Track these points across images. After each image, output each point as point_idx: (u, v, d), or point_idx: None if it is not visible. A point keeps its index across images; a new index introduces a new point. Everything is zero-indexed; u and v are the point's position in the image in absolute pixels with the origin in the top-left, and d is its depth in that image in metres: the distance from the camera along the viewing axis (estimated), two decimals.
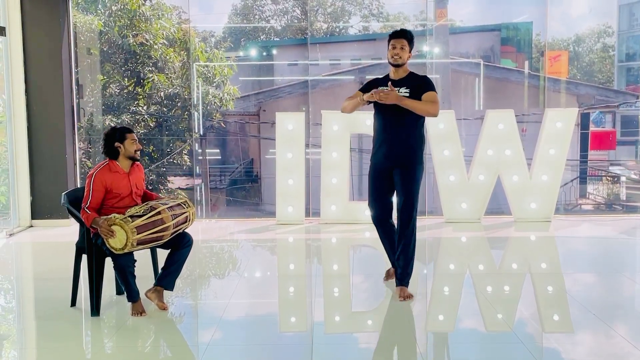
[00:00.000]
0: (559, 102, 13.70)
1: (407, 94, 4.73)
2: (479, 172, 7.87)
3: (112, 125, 10.81)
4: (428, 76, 4.90)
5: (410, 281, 5.18)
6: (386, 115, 4.79)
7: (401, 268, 4.89)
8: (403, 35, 4.79)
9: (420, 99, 4.71)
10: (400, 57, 4.76)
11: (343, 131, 7.87)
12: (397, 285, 4.92)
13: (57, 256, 6.66)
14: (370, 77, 5.07)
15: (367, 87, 4.91)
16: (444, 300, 5.14)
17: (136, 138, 4.61)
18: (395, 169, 4.85)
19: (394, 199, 5.02)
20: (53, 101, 7.95)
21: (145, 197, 4.78)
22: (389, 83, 4.73)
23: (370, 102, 4.80)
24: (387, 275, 5.30)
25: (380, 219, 5.01)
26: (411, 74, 4.88)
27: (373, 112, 4.97)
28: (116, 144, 4.53)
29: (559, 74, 15.19)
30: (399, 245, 4.87)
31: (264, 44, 17.15)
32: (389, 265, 5.29)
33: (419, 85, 4.77)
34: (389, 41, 4.86)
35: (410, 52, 4.81)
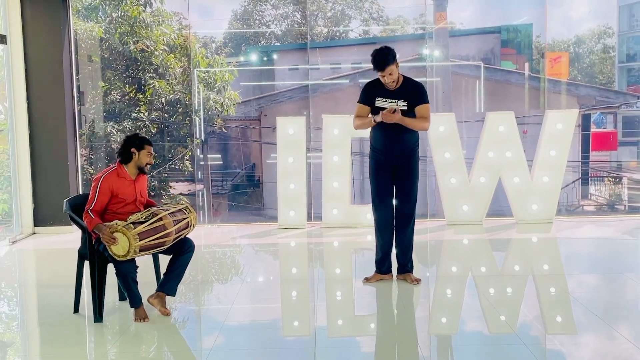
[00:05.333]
0: (559, 104, 13.70)
1: (405, 106, 4.98)
2: (480, 174, 7.87)
3: (115, 132, 10.85)
4: (422, 83, 5.14)
5: (413, 284, 5.22)
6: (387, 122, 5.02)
7: (406, 259, 5.30)
8: (386, 64, 4.91)
9: (414, 109, 5.01)
10: (394, 81, 4.99)
11: (344, 135, 7.88)
12: (401, 273, 5.33)
13: (59, 263, 6.66)
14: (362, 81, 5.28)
15: (366, 96, 5.12)
16: (446, 303, 5.14)
17: (152, 152, 4.67)
18: (397, 168, 5.14)
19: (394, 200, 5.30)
20: (54, 108, 7.97)
21: (146, 206, 4.80)
22: (396, 109, 4.91)
23: (372, 110, 5.08)
24: (367, 279, 5.41)
25: (386, 222, 5.28)
26: (405, 80, 5.09)
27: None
28: (132, 149, 4.57)
29: (559, 76, 15.20)
30: (401, 238, 5.27)
31: (265, 48, 17.18)
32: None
33: (414, 94, 5.02)
34: (374, 67, 5.00)
35: (397, 64, 4.98)
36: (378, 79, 5.05)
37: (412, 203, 5.21)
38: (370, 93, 5.08)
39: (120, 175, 4.55)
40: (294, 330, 4.59)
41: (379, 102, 5.00)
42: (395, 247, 5.33)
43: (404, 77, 5.09)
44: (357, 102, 5.17)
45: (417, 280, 5.28)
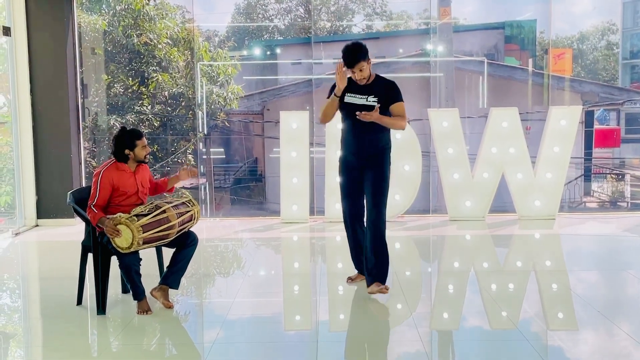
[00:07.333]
0: (563, 100, 13.68)
1: (375, 102, 4.76)
2: (483, 170, 7.87)
3: (118, 125, 10.85)
4: (394, 81, 4.90)
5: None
6: (355, 118, 4.76)
7: (377, 269, 4.84)
8: (356, 61, 4.72)
9: (388, 108, 4.79)
10: (365, 78, 4.78)
11: None
12: (372, 282, 4.83)
13: (62, 255, 6.68)
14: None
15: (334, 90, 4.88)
16: (448, 298, 5.15)
17: (146, 142, 4.63)
18: (366, 170, 4.90)
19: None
20: (58, 101, 7.97)
21: (157, 186, 4.83)
22: (376, 108, 4.70)
23: (341, 106, 4.86)
24: (351, 279, 5.25)
25: (352, 217, 5.05)
26: (377, 78, 4.89)
27: (341, 115, 5.00)
28: (126, 151, 4.55)
29: (563, 72, 15.18)
30: (371, 245, 4.84)
31: (268, 43, 17.17)
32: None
33: (387, 93, 4.80)
34: (344, 63, 4.76)
35: (369, 61, 4.79)
36: (350, 77, 4.88)
37: (379, 208, 4.83)
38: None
39: (119, 168, 4.55)
40: (296, 325, 4.61)
41: (348, 98, 4.83)
42: (370, 256, 4.88)
43: (376, 75, 4.91)
44: (326, 97, 4.97)
45: (387, 288, 4.81)
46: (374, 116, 4.69)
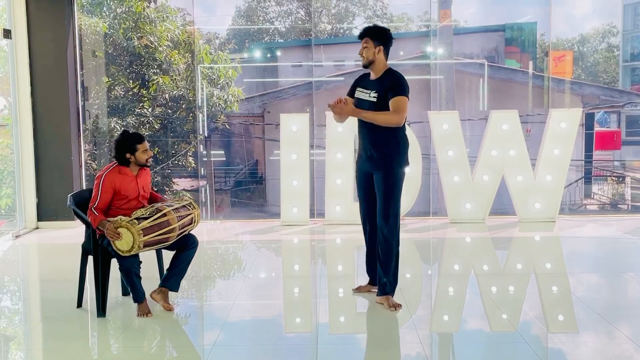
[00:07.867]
0: (563, 103, 13.68)
1: (375, 99, 4.61)
2: (483, 172, 7.87)
3: (118, 127, 10.85)
4: (404, 76, 4.68)
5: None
6: (363, 120, 4.67)
7: (382, 276, 4.72)
8: (363, 35, 4.68)
9: (388, 104, 4.57)
10: (365, 57, 4.67)
11: (347, 132, 7.88)
12: (378, 295, 4.77)
13: (63, 258, 6.68)
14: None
15: (351, 87, 4.87)
16: (448, 301, 5.15)
17: (147, 146, 4.61)
18: (375, 173, 4.72)
19: None
20: (58, 103, 7.98)
21: (151, 199, 4.81)
22: (345, 98, 4.69)
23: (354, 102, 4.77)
24: (358, 289, 5.11)
25: (365, 217, 4.91)
26: (388, 72, 4.68)
27: None
28: (127, 155, 4.55)
29: (563, 74, 15.19)
30: (378, 252, 4.74)
31: (268, 45, 17.19)
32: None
33: (389, 87, 4.58)
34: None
35: (378, 47, 4.63)
36: (367, 74, 4.79)
37: (387, 219, 4.67)
38: (355, 84, 4.80)
39: (122, 172, 4.55)
40: (296, 327, 4.61)
41: (358, 93, 4.75)
42: (378, 263, 4.80)
43: (389, 69, 4.72)
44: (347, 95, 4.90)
45: (396, 307, 4.64)
46: (345, 109, 4.60)
